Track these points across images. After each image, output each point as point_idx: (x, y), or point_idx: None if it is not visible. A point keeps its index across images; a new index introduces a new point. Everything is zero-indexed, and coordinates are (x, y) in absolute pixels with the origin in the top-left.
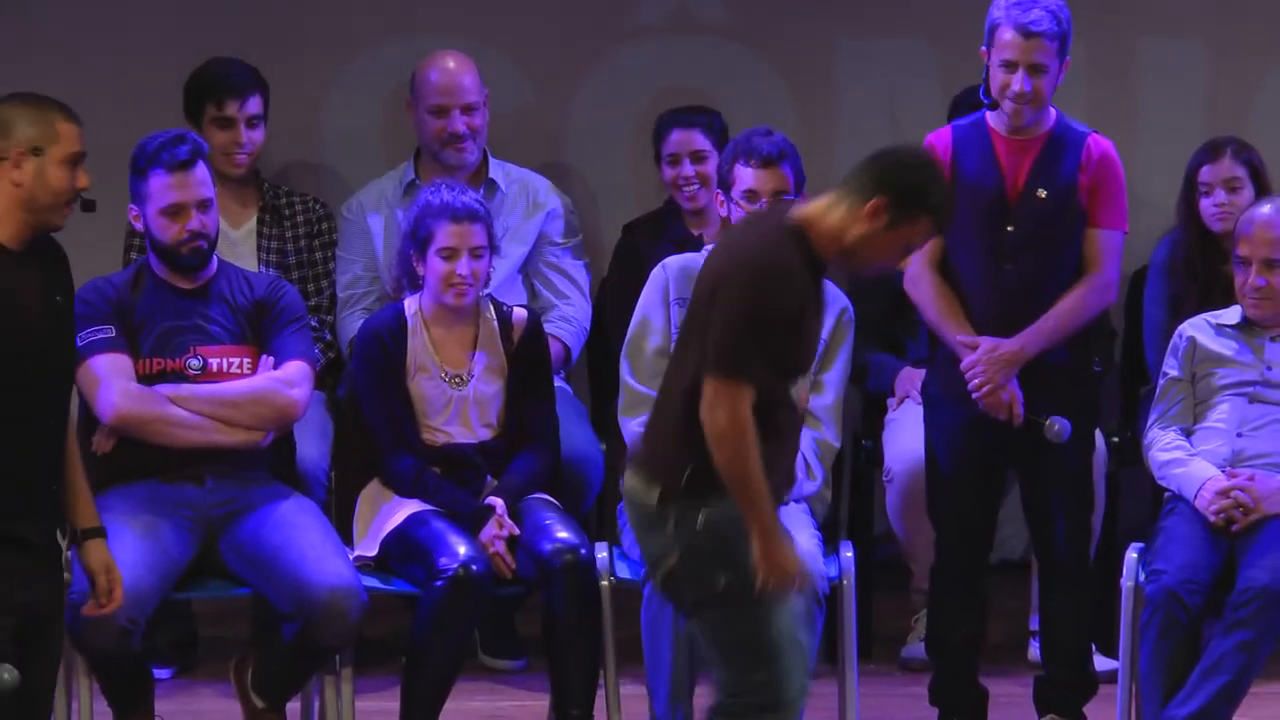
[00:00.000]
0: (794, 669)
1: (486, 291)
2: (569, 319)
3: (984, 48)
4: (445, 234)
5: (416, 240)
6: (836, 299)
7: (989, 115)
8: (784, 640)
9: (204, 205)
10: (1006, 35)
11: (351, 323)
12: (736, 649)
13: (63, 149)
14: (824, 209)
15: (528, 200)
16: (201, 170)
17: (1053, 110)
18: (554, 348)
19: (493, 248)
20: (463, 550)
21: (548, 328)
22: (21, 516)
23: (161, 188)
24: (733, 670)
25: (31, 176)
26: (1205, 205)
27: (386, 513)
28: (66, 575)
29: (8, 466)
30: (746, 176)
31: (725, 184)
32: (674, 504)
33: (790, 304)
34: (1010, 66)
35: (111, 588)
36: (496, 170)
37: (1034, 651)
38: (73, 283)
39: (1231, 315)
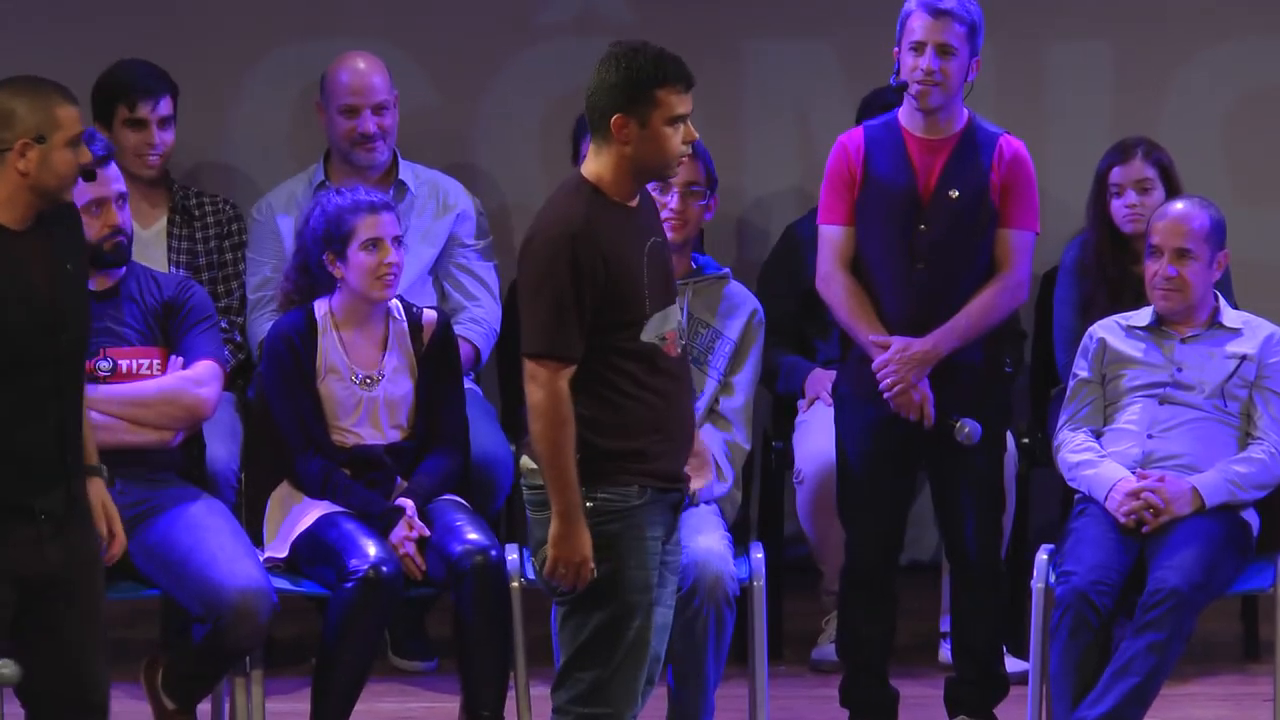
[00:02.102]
0: (632, 680)
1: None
2: (479, 320)
3: (896, 48)
4: (367, 226)
5: (335, 240)
6: (746, 300)
7: (901, 115)
8: (634, 649)
9: (121, 200)
10: (916, 20)
11: (261, 324)
12: (587, 642)
13: (65, 134)
14: (594, 160)
15: (438, 202)
16: (113, 167)
17: (965, 111)
18: (464, 349)
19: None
20: (373, 551)
21: (458, 329)
22: (29, 487)
23: (80, 187)
24: (572, 662)
25: (36, 164)
26: (1116, 206)
27: (296, 514)
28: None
29: (20, 437)
30: None
31: None
32: None
33: (585, 265)
34: (919, 48)
35: (111, 528)
36: (406, 172)
37: (944, 653)
38: (86, 250)
39: (1142, 317)
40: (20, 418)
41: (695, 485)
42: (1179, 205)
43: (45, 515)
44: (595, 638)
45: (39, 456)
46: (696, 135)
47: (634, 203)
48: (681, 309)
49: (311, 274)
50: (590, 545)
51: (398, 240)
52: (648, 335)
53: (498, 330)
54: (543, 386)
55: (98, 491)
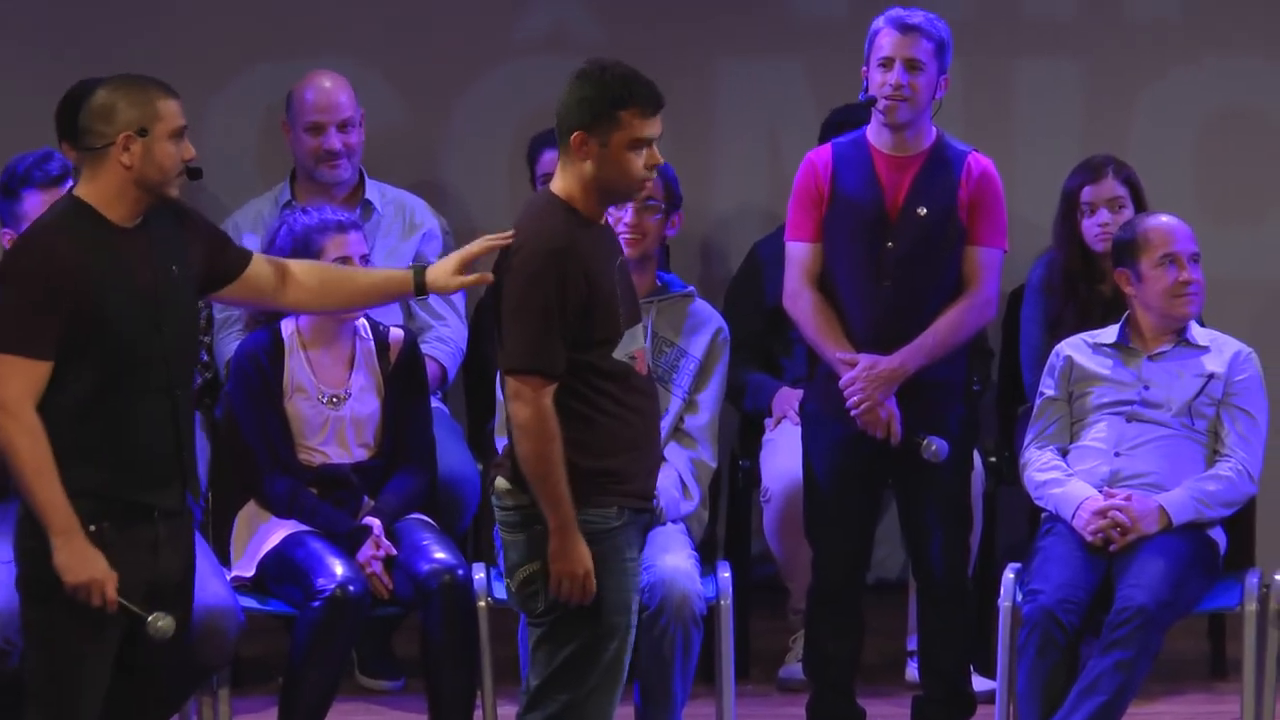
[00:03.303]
0: (606, 702)
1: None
2: (445, 339)
3: (865, 66)
4: (336, 245)
5: (303, 259)
6: (711, 318)
7: (869, 132)
8: (611, 671)
9: None
10: (884, 36)
11: (228, 343)
12: (565, 663)
13: (166, 126)
14: (562, 177)
15: (404, 221)
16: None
17: (933, 128)
18: (430, 368)
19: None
20: (340, 571)
21: (424, 348)
22: (146, 487)
23: (38, 206)
24: (548, 684)
25: (140, 157)
26: (1088, 226)
27: (263, 533)
28: None
29: (134, 436)
30: None
31: None
32: (542, 510)
33: (570, 281)
34: (887, 64)
35: None
36: (373, 191)
37: (912, 671)
38: (193, 252)
39: (1109, 334)
40: (136, 414)
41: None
42: (1165, 217)
43: (161, 514)
44: (573, 659)
45: (156, 453)
46: (662, 160)
47: (602, 221)
48: (645, 327)
49: None
50: (590, 557)
51: (365, 259)
52: (620, 353)
53: (464, 349)
54: (529, 404)
55: None
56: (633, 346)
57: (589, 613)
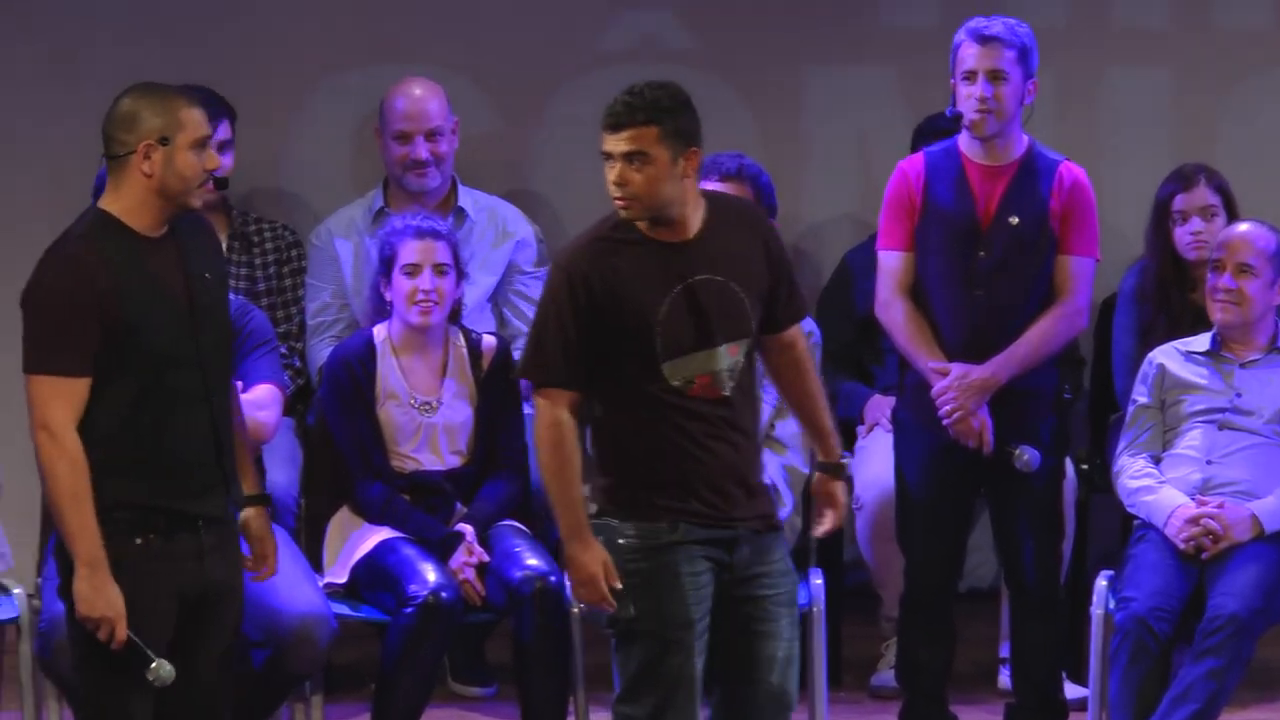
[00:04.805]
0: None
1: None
2: None
3: (953, 79)
4: (408, 250)
5: (383, 264)
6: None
7: (961, 142)
8: (679, 686)
9: None
10: (966, 50)
11: (321, 350)
12: (631, 678)
13: (189, 135)
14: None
15: (497, 229)
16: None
17: (1025, 137)
18: None
19: (460, 272)
20: (432, 577)
21: (517, 355)
22: (190, 495)
23: None
24: (621, 699)
25: (161, 166)
26: (1180, 234)
27: (356, 539)
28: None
29: (174, 446)
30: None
31: None
32: (603, 522)
33: (577, 297)
34: (971, 77)
35: (265, 555)
36: (465, 198)
37: (1004, 679)
38: (223, 259)
39: (1201, 342)
40: (175, 422)
41: (825, 526)
42: (1245, 225)
43: (206, 522)
44: (639, 674)
45: (196, 461)
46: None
47: (676, 236)
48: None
49: (379, 297)
50: (599, 561)
51: (441, 268)
52: (674, 377)
53: None
54: (542, 414)
55: (257, 522)
56: (691, 371)
57: (647, 626)
